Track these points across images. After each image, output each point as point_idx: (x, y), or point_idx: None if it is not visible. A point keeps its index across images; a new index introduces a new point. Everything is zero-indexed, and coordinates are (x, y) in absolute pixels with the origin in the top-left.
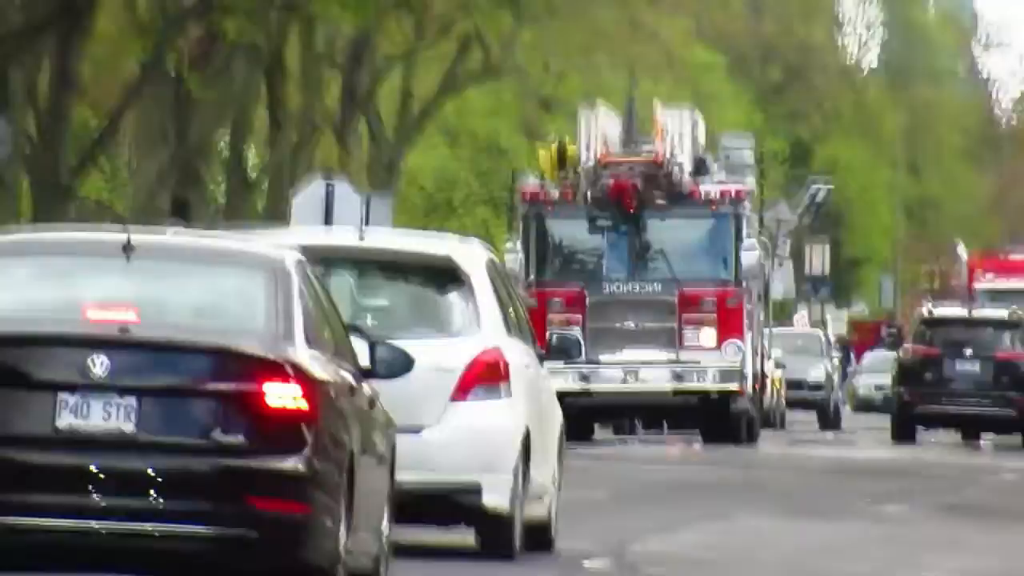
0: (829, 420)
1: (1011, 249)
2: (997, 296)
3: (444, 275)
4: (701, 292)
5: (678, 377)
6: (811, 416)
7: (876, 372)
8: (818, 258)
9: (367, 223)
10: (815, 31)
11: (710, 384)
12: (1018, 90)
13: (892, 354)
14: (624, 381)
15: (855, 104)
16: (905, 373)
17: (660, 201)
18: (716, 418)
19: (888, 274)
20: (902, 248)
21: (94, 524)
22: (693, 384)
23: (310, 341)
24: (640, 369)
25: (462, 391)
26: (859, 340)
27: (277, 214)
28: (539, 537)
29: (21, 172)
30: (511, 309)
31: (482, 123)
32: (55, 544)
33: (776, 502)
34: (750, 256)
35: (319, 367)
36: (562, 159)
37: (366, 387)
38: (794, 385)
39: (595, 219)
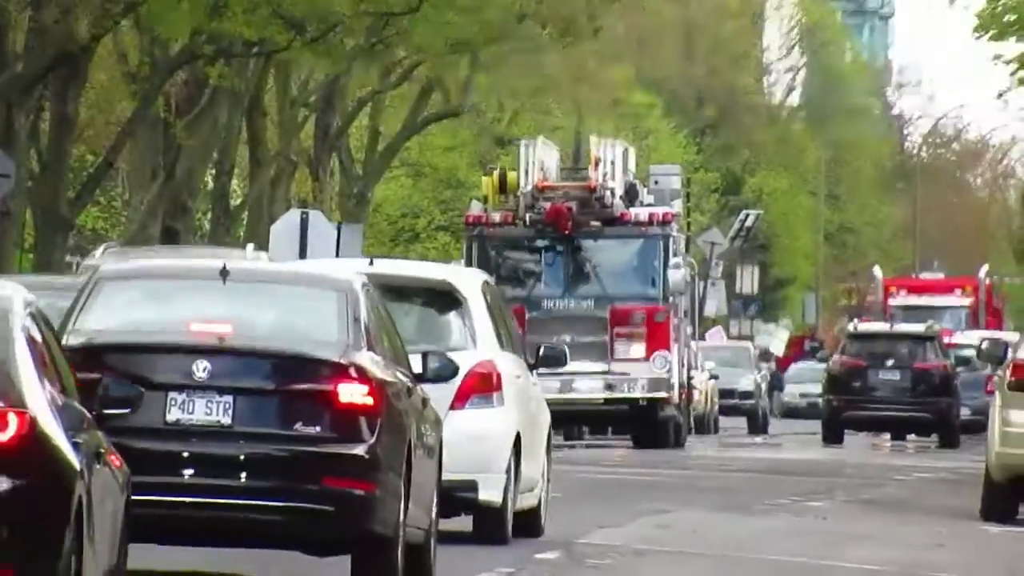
0: (758, 425)
1: (922, 271)
2: (909, 312)
3: (443, 297)
4: (631, 308)
5: (609, 387)
6: (741, 422)
7: (801, 382)
8: (748, 278)
9: (338, 250)
10: (743, 75)
11: (639, 393)
12: (926, 127)
13: (816, 364)
14: (560, 391)
15: (780, 139)
16: (834, 382)
17: (593, 224)
18: (646, 424)
19: (811, 293)
20: (823, 270)
21: (198, 500)
22: (623, 393)
23: (373, 349)
24: (574, 380)
25: (460, 400)
26: (785, 353)
27: (257, 241)
28: (530, 523)
29: (25, 204)
30: (503, 326)
31: (442, 158)
32: (163, 517)
33: (709, 499)
34: (676, 275)
35: (381, 370)
36: (503, 185)
37: (420, 389)
38: (726, 394)
39: (533, 240)
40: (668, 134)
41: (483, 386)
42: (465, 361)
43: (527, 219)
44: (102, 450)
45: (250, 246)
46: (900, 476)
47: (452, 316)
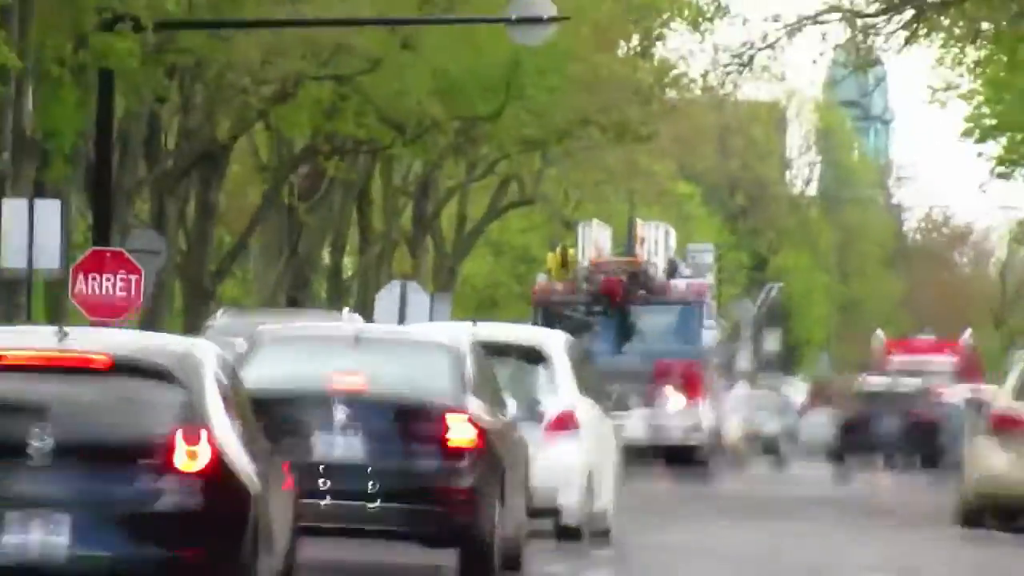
0: (783, 460)
1: (916, 335)
2: (905, 368)
3: (533, 354)
4: (670, 365)
5: (653, 430)
6: (766, 457)
7: (819, 426)
8: (772, 340)
9: (431, 317)
10: (769, 169)
11: (675, 438)
12: (920, 214)
13: (831, 412)
14: None
15: (799, 224)
16: (848, 426)
17: (640, 294)
18: (681, 461)
19: (824, 352)
20: (834, 333)
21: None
22: (661, 439)
23: (478, 397)
24: (625, 423)
25: (547, 436)
26: (807, 401)
27: (365, 309)
28: (603, 533)
29: (174, 277)
30: (584, 376)
31: (518, 238)
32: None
33: (737, 513)
34: (709, 336)
35: (483, 414)
36: (564, 261)
37: (514, 427)
38: (754, 434)
39: (589, 308)
40: (705, 218)
41: (564, 424)
42: (550, 405)
43: (585, 289)
44: (273, 468)
45: (346, 310)
46: (897, 494)
47: (541, 369)
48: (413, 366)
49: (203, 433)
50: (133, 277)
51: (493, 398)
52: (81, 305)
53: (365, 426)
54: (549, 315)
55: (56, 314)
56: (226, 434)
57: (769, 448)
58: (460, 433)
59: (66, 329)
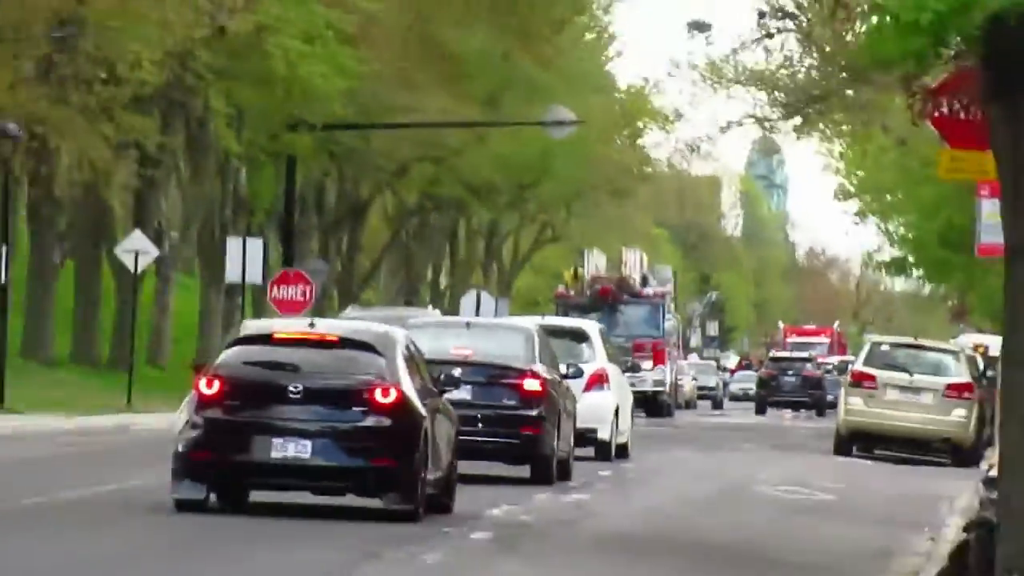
0: (719, 405)
1: (804, 325)
2: (797, 345)
3: (578, 334)
4: (644, 343)
5: (632, 385)
6: (708, 403)
7: (741, 382)
8: (712, 328)
9: (496, 314)
10: (710, 218)
11: (648, 388)
12: (806, 246)
13: (750, 373)
14: None
15: (729, 254)
16: (763, 382)
17: (624, 297)
18: (653, 405)
19: (745, 335)
20: (752, 324)
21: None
22: (639, 388)
23: (543, 363)
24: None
25: (587, 387)
26: (735, 366)
27: (453, 309)
28: (624, 452)
29: (333, 287)
30: (609, 349)
31: (551, 263)
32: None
33: (692, 443)
34: (669, 325)
35: (545, 373)
36: (576, 276)
37: (564, 382)
38: (703, 388)
39: (591, 306)
40: (670, 250)
41: (599, 381)
42: (590, 368)
43: (587, 294)
44: (440, 407)
45: (430, 307)
46: (795, 429)
47: (583, 345)
48: (502, 342)
49: (392, 384)
50: (307, 287)
51: (551, 363)
52: (275, 305)
53: (472, 380)
54: (566, 310)
55: (259, 311)
56: (407, 384)
57: (710, 397)
58: (531, 385)
59: (313, 320)
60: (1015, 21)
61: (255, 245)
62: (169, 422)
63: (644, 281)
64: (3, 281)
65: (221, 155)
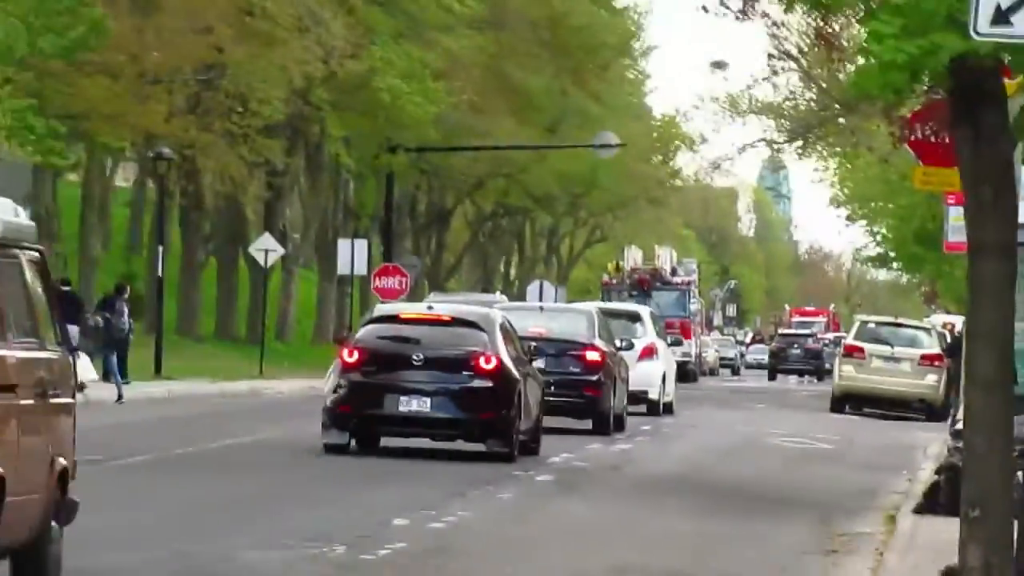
0: (736, 372)
1: (806, 308)
2: (800, 324)
3: (633, 315)
4: (673, 322)
5: None
6: (728, 371)
7: (756, 354)
8: (731, 310)
9: (556, 300)
10: (728, 222)
11: (678, 359)
12: (807, 245)
13: (762, 346)
14: None
15: (744, 251)
16: (773, 353)
17: (657, 284)
18: (680, 373)
19: (757, 316)
20: (763, 306)
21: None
22: None
23: (602, 339)
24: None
25: (640, 358)
26: (749, 341)
27: (521, 296)
28: (669, 409)
29: (424, 279)
30: (658, 327)
31: (599, 258)
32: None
33: (716, 403)
34: (694, 307)
35: (604, 346)
36: (618, 267)
37: (620, 353)
38: (723, 358)
39: (630, 292)
40: (696, 247)
41: (649, 353)
42: (642, 342)
43: (627, 282)
44: (530, 372)
45: (498, 293)
46: (799, 392)
47: (637, 324)
48: (568, 322)
49: (493, 353)
50: (403, 278)
51: (608, 338)
52: (377, 292)
53: (546, 353)
54: (609, 295)
55: (364, 297)
56: (504, 354)
57: (729, 365)
58: (592, 356)
59: (431, 304)
60: (974, 61)
61: (361, 245)
62: (292, 388)
63: (673, 272)
64: (160, 274)
65: (333, 172)
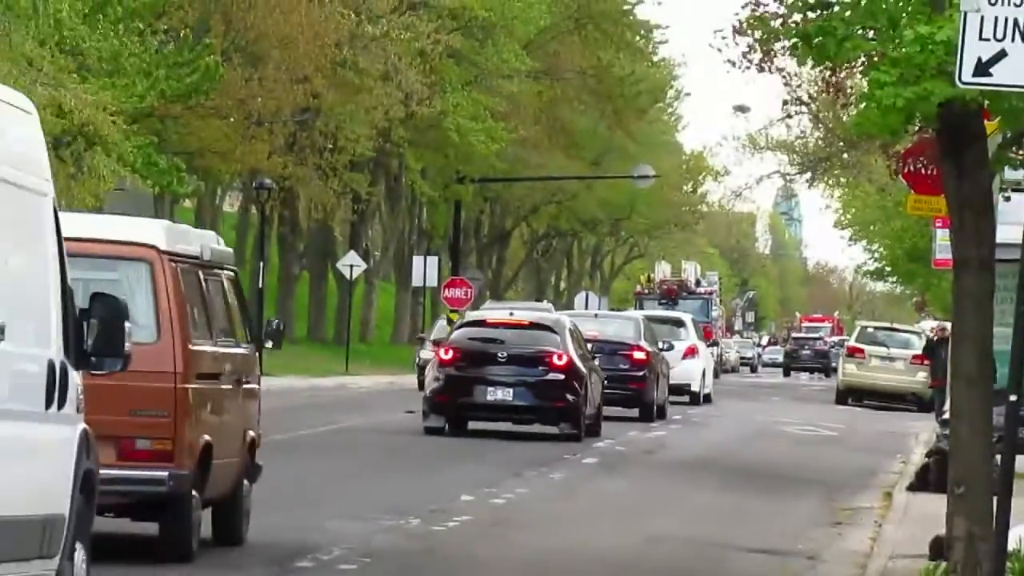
0: (755, 370)
1: (814, 315)
2: (810, 328)
3: (677, 321)
4: (698, 326)
5: None
6: (747, 369)
7: (772, 354)
8: (750, 316)
9: (599, 307)
10: (748, 242)
11: None
12: (813, 261)
13: (777, 348)
14: None
15: (760, 266)
16: (787, 354)
17: (683, 294)
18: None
19: (773, 322)
20: (777, 314)
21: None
22: None
23: (647, 341)
24: None
25: (684, 357)
26: (766, 343)
27: (569, 305)
28: (708, 399)
29: (486, 290)
30: (698, 332)
31: (638, 273)
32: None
33: (737, 396)
34: (716, 313)
35: (649, 347)
36: (649, 279)
37: (662, 353)
38: (743, 358)
39: (659, 300)
40: (720, 263)
41: (691, 353)
42: (685, 344)
43: (657, 292)
44: (593, 368)
45: (545, 302)
46: (808, 387)
47: (681, 329)
48: (618, 327)
49: (564, 352)
50: (468, 289)
51: (652, 341)
52: (446, 302)
53: (599, 353)
54: (641, 304)
55: (435, 306)
56: (573, 352)
57: (748, 364)
58: (638, 355)
59: (512, 310)
60: (959, 106)
61: (432, 261)
62: (374, 382)
63: (698, 283)
64: (260, 286)
65: (409, 199)
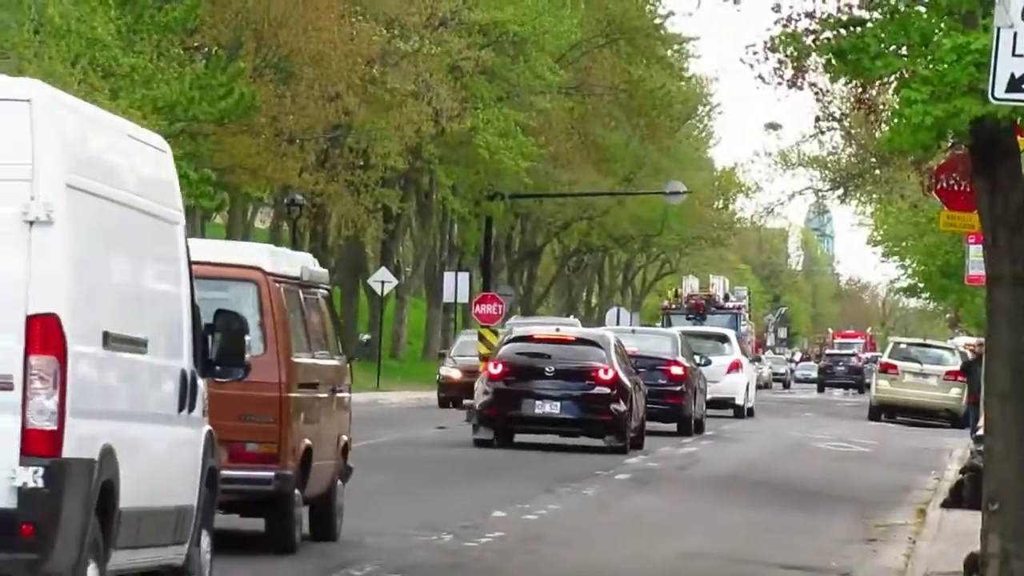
0: (787, 385)
1: (846, 331)
2: (843, 345)
3: (721, 337)
4: None
5: None
6: (779, 385)
7: (805, 370)
8: (782, 332)
9: (630, 323)
10: (780, 258)
11: None
12: (845, 277)
13: (811, 363)
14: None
15: (794, 283)
16: (821, 370)
17: (712, 309)
18: None
19: (805, 338)
20: (810, 330)
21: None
22: None
23: (684, 356)
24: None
25: (727, 372)
26: (799, 359)
27: (600, 322)
28: (752, 413)
29: (517, 305)
30: (743, 347)
31: (669, 287)
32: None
33: (770, 412)
34: (744, 329)
35: (686, 362)
36: (677, 294)
37: (699, 368)
38: (775, 374)
39: (687, 315)
40: (751, 279)
41: (735, 367)
42: (730, 358)
43: (685, 307)
44: (637, 382)
45: (571, 317)
46: (842, 403)
47: (726, 344)
48: (656, 343)
49: (610, 366)
50: (500, 305)
51: (689, 356)
52: (477, 318)
53: (637, 368)
54: (669, 319)
55: (466, 321)
56: (618, 367)
57: (781, 379)
58: (675, 370)
59: (558, 326)
60: (991, 122)
61: (463, 277)
62: (404, 398)
63: (726, 297)
64: None
65: (440, 215)
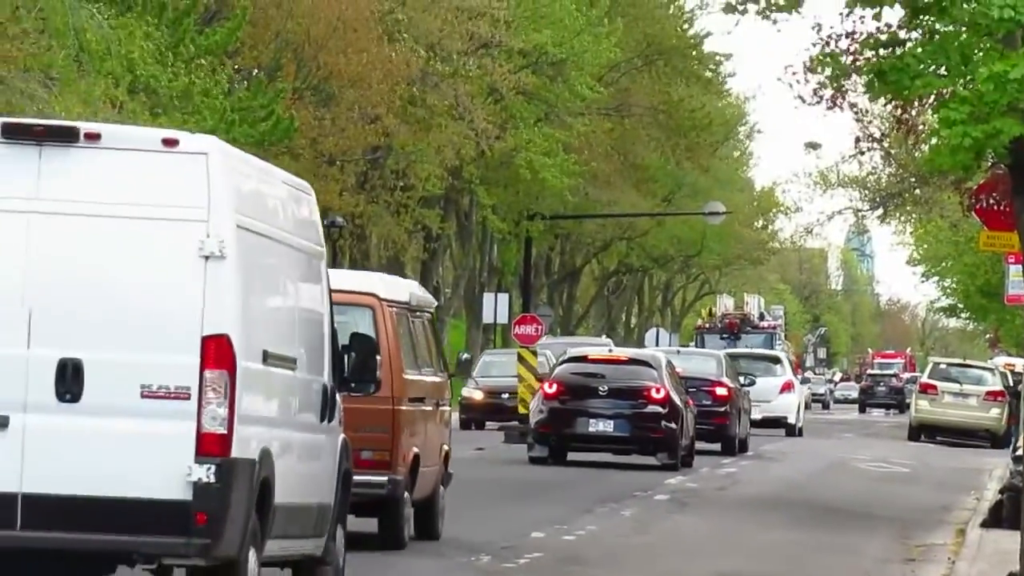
0: (827, 407)
1: (886, 350)
2: (883, 365)
3: (773, 359)
4: None
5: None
6: (819, 405)
7: (845, 390)
8: (822, 352)
9: (670, 343)
10: (820, 278)
11: None
12: (886, 299)
13: (851, 383)
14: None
15: (834, 303)
16: (863, 390)
17: (747, 328)
18: None
19: (845, 358)
20: (849, 350)
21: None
22: None
23: (728, 377)
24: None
25: (780, 392)
26: (839, 379)
27: (640, 343)
28: (801, 432)
29: (557, 326)
30: (792, 367)
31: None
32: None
33: (810, 432)
34: (780, 347)
35: (731, 382)
36: (711, 313)
37: (744, 389)
38: (815, 394)
39: (720, 334)
40: (791, 299)
41: (788, 388)
42: (782, 379)
43: (719, 326)
44: (687, 403)
45: (604, 336)
46: (882, 423)
47: (777, 365)
48: (701, 363)
49: (661, 386)
50: (539, 326)
51: (733, 377)
52: (517, 339)
53: (686, 388)
54: (702, 339)
55: (505, 342)
56: (670, 386)
57: (820, 400)
58: (720, 391)
59: (611, 346)
60: None
61: (503, 298)
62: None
63: (761, 317)
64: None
65: (480, 236)
